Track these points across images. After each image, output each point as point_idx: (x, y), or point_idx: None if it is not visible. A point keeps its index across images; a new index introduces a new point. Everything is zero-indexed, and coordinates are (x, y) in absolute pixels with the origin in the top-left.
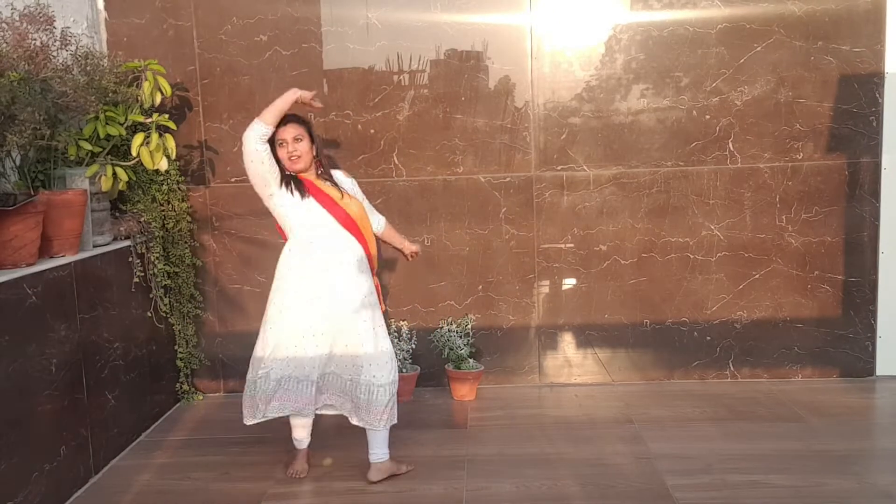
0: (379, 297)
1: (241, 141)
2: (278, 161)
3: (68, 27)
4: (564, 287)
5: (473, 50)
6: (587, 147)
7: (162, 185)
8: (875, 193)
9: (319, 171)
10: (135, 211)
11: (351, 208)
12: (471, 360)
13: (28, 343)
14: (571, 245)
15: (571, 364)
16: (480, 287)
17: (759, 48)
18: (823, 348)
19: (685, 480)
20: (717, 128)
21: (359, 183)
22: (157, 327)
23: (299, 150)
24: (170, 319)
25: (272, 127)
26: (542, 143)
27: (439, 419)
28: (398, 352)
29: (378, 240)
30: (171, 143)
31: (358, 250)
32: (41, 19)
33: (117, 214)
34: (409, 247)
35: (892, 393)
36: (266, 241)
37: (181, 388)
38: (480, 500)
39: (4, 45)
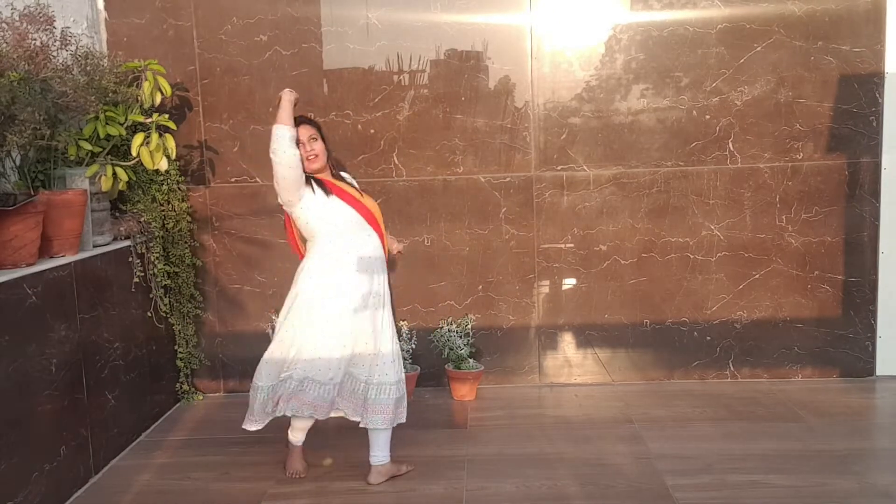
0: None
1: (273, 153)
2: None
3: (68, 27)
4: (564, 287)
5: (473, 50)
6: (587, 147)
7: (162, 185)
8: (875, 193)
9: (333, 171)
10: (135, 211)
11: (370, 204)
12: (471, 360)
13: (28, 343)
14: (571, 245)
15: (571, 364)
16: (480, 287)
17: (759, 48)
18: (823, 348)
19: (685, 480)
20: (717, 128)
21: (359, 183)
22: (157, 327)
23: (316, 149)
24: (170, 319)
25: (294, 129)
26: (542, 143)
27: (439, 419)
28: None
29: None
30: (171, 143)
31: (379, 246)
32: (41, 19)
33: (117, 214)
34: (396, 247)
35: (892, 393)
36: (266, 241)
37: (181, 388)
38: (480, 500)
39: (4, 45)
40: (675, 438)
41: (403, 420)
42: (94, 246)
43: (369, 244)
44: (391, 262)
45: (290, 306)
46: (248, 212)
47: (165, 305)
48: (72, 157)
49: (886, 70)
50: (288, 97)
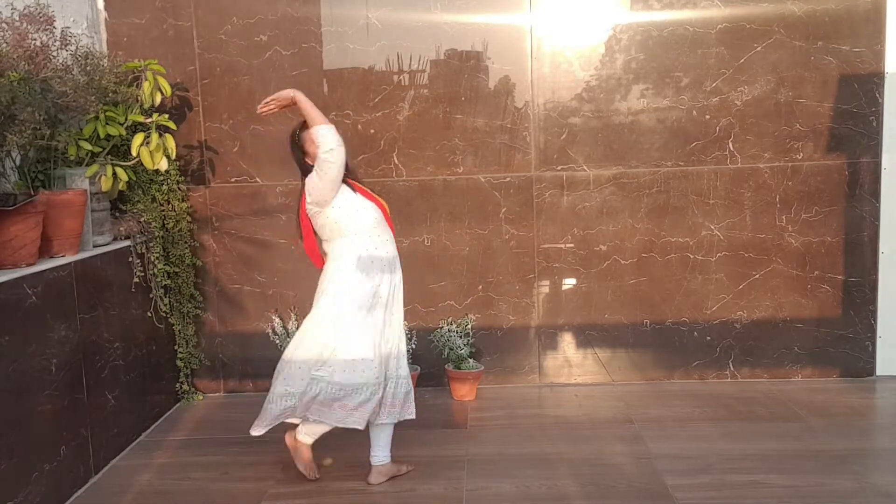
0: None
1: (330, 153)
2: (309, 164)
3: (68, 27)
4: (564, 287)
5: (473, 50)
6: (587, 147)
7: (162, 185)
8: (875, 193)
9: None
10: (135, 211)
11: (384, 203)
12: (471, 360)
13: (28, 343)
14: (571, 245)
15: (571, 364)
16: (480, 287)
17: (759, 48)
18: (823, 348)
19: (685, 480)
20: (717, 128)
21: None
22: (157, 327)
23: None
24: (170, 319)
25: None
26: (542, 143)
27: (439, 419)
28: None
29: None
30: (171, 143)
31: (394, 243)
32: (41, 19)
33: (117, 214)
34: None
35: (892, 393)
36: (266, 241)
37: (181, 388)
38: (480, 500)
39: (4, 45)
40: (675, 438)
41: (413, 416)
42: (94, 246)
43: (389, 241)
44: None
45: (328, 305)
46: (248, 212)
47: (165, 305)
48: (72, 157)
49: (886, 70)
50: (303, 96)
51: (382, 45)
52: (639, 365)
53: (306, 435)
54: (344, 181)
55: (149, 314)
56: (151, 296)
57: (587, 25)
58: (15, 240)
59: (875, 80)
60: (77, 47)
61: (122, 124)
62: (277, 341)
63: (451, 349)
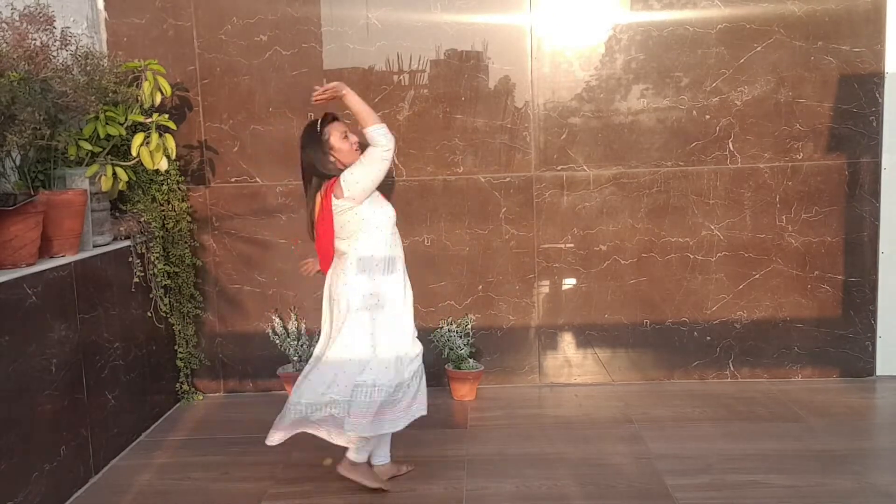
0: None
1: (387, 151)
2: (332, 160)
3: (68, 27)
4: (564, 287)
5: (473, 50)
6: (587, 147)
7: (162, 185)
8: (875, 193)
9: None
10: (135, 211)
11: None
12: (471, 360)
13: (28, 343)
14: (571, 245)
15: (571, 364)
16: (480, 287)
17: (759, 48)
18: (823, 348)
19: (685, 480)
20: (717, 128)
21: None
22: (157, 327)
23: (357, 141)
24: (170, 319)
25: None
26: (542, 143)
27: (439, 419)
28: None
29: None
30: (171, 143)
31: None
32: (41, 19)
33: (117, 214)
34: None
35: (892, 393)
36: (266, 241)
37: (181, 388)
38: (480, 500)
39: (4, 45)
40: (675, 438)
41: (425, 412)
42: (94, 246)
43: (399, 238)
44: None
45: (359, 308)
46: (248, 212)
47: (165, 305)
48: (72, 157)
49: (886, 70)
50: (351, 92)
51: (382, 45)
52: (639, 365)
53: (356, 452)
54: None
55: (149, 314)
56: (151, 296)
57: (587, 25)
58: (15, 240)
59: (875, 80)
60: (77, 47)
61: (122, 124)
62: (277, 341)
63: (451, 349)
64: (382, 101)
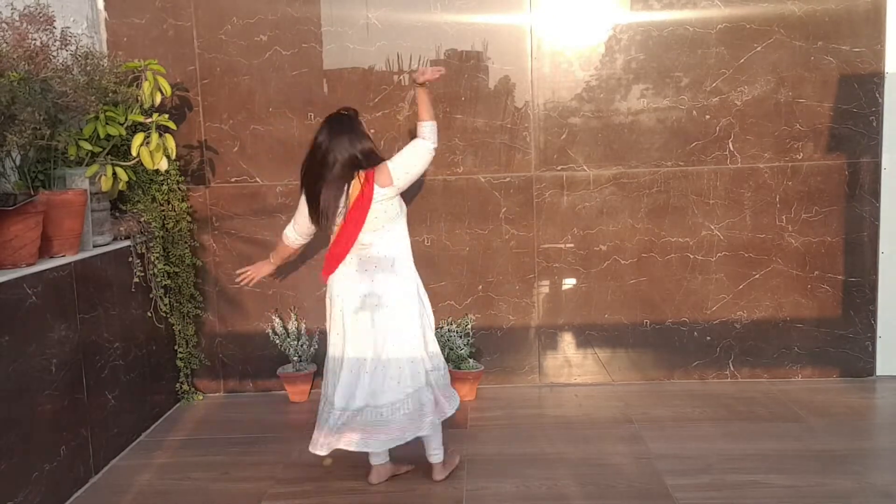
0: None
1: (435, 144)
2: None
3: (68, 27)
4: (564, 287)
5: (473, 50)
6: (587, 147)
7: (162, 185)
8: (875, 193)
9: None
10: (135, 211)
11: None
12: (471, 360)
13: (28, 343)
14: (571, 245)
15: (571, 364)
16: (480, 287)
17: (759, 48)
18: (823, 348)
19: (685, 480)
20: (717, 128)
21: None
22: (157, 327)
23: None
24: (170, 319)
25: None
26: (542, 143)
27: None
28: None
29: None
30: (171, 143)
31: None
32: (41, 19)
33: (117, 214)
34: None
35: (892, 393)
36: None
37: (181, 388)
38: (480, 500)
39: (4, 45)
40: (675, 438)
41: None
42: (94, 246)
43: None
44: None
45: (415, 298)
46: (248, 212)
47: (165, 305)
48: (72, 157)
49: (886, 70)
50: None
51: (382, 45)
52: (639, 365)
53: (377, 456)
54: None
55: (149, 314)
56: (151, 296)
57: (587, 25)
58: (15, 240)
59: (875, 80)
60: (77, 47)
61: (122, 124)
62: (277, 341)
63: (451, 349)
64: (382, 101)
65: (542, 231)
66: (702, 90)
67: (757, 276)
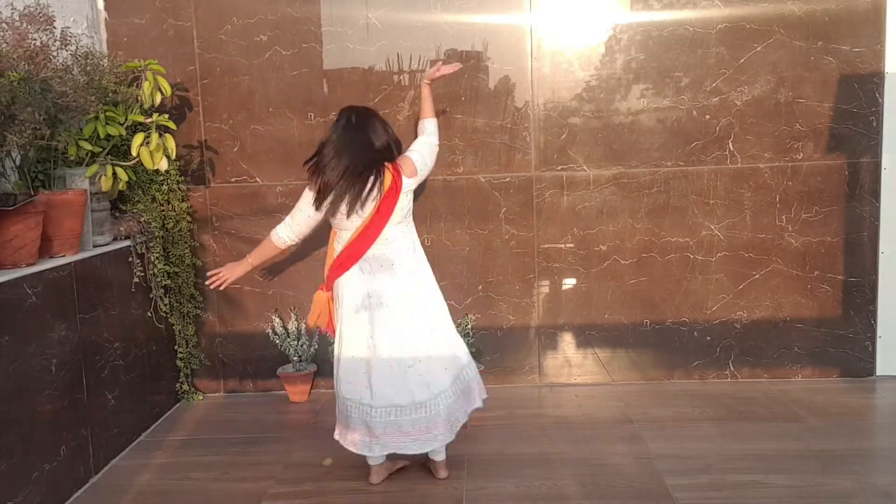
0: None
1: (438, 142)
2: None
3: (68, 27)
4: (564, 287)
5: (473, 50)
6: (587, 147)
7: (162, 185)
8: (875, 193)
9: None
10: (135, 211)
11: None
12: None
13: (28, 343)
14: (571, 245)
15: (571, 364)
16: (480, 287)
17: (759, 48)
18: (823, 348)
19: (685, 480)
20: (717, 128)
21: None
22: (157, 327)
23: None
24: (170, 319)
25: None
26: (542, 143)
27: None
28: None
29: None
30: (171, 143)
31: None
32: (41, 19)
33: (117, 214)
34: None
35: (892, 393)
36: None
37: (181, 388)
38: (480, 500)
39: (4, 45)
40: (675, 438)
41: None
42: (94, 246)
43: None
44: None
45: (437, 289)
46: (248, 212)
47: (165, 305)
48: (72, 157)
49: (886, 70)
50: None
51: (382, 45)
52: (639, 365)
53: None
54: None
55: (149, 314)
56: (151, 296)
57: (587, 25)
58: (15, 240)
59: (875, 80)
60: (77, 47)
61: (122, 124)
62: (277, 341)
63: None
64: (382, 101)
65: (542, 231)
66: (702, 90)
67: (757, 276)
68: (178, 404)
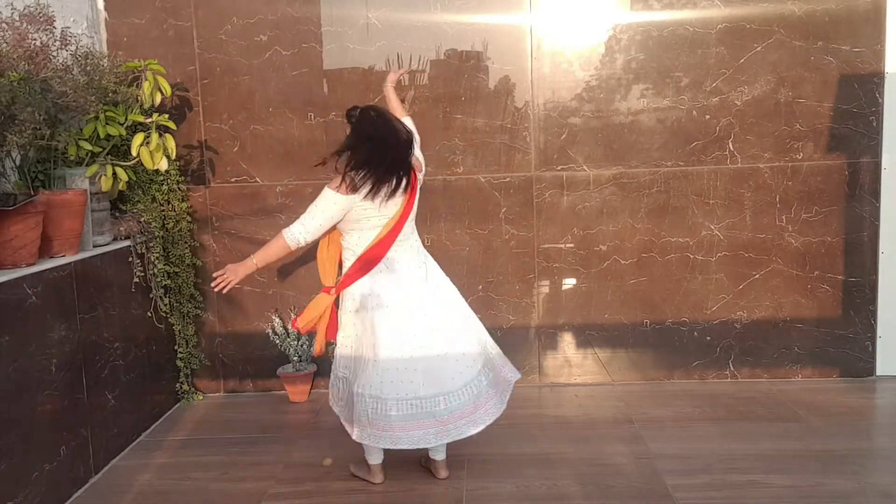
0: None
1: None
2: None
3: (68, 27)
4: (564, 287)
5: (473, 50)
6: (587, 147)
7: (162, 185)
8: (875, 193)
9: None
10: (135, 211)
11: None
12: None
13: (28, 343)
14: (571, 245)
15: (571, 364)
16: (480, 287)
17: (759, 48)
18: (823, 348)
19: (685, 480)
20: (717, 128)
21: None
22: (157, 327)
23: None
24: (170, 319)
25: None
26: (542, 143)
27: None
28: None
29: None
30: (171, 143)
31: None
32: (41, 19)
33: (117, 214)
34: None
35: (892, 393)
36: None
37: (181, 388)
38: (480, 500)
39: (4, 45)
40: (675, 438)
41: None
42: (94, 246)
43: None
44: None
45: (451, 289)
46: (248, 212)
47: (165, 305)
48: (72, 157)
49: (886, 70)
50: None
51: (382, 45)
52: (639, 365)
53: (375, 456)
54: None
55: (149, 314)
56: (151, 296)
57: (587, 25)
58: (15, 240)
59: (875, 80)
60: (77, 47)
61: (122, 124)
62: (277, 341)
63: None
64: (382, 101)
65: (542, 231)
66: (702, 90)
67: (757, 276)
68: (178, 404)
